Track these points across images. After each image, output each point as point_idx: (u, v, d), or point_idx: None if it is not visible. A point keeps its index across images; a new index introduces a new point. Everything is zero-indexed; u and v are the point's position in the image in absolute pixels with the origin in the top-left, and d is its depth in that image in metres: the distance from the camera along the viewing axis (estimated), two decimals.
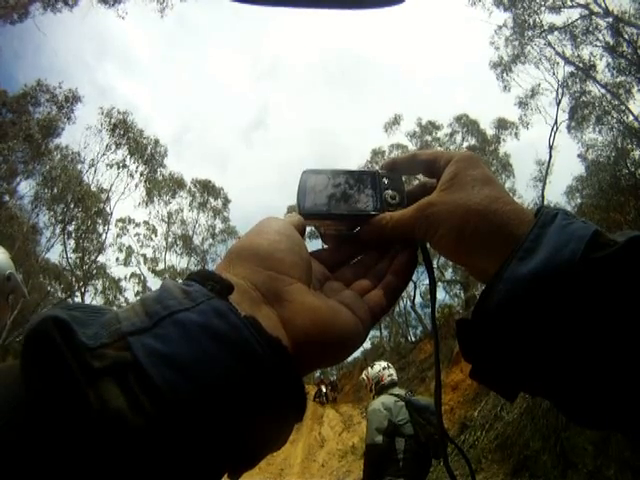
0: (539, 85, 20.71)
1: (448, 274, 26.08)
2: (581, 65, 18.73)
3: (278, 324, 0.44)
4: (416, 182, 0.67)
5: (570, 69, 19.45)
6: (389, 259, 0.60)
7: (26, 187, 22.82)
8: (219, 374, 0.36)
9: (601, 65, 18.28)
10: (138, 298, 0.41)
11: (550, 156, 20.37)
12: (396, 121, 27.68)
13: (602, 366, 0.43)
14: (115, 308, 0.40)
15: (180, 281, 0.43)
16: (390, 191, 0.63)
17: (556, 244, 0.47)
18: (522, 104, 21.76)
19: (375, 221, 0.60)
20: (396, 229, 0.59)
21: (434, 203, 0.56)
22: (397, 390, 4.90)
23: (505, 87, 21.49)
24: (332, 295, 0.53)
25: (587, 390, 0.45)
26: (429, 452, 4.55)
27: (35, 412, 0.31)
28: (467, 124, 26.53)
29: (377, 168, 0.65)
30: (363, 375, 5.15)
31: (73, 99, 21.72)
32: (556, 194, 28.71)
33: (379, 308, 0.55)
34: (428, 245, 0.60)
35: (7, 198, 21.95)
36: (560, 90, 19.84)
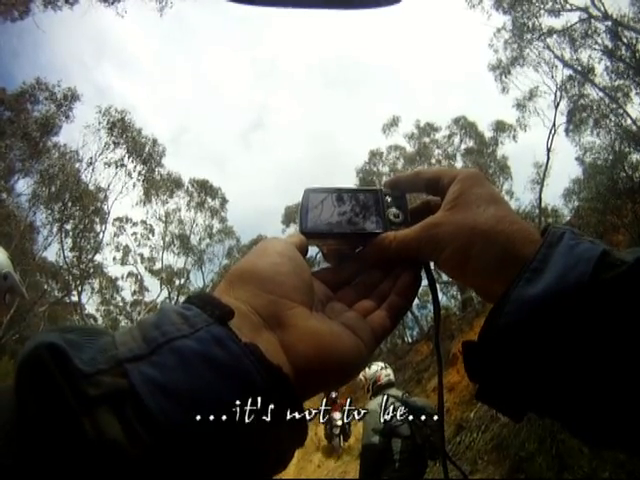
0: (537, 88, 20.75)
1: (445, 275, 26.06)
2: (580, 68, 18.77)
3: (279, 350, 0.44)
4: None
5: (569, 72, 19.51)
6: (392, 279, 0.59)
7: (24, 185, 22.86)
8: (217, 404, 0.35)
9: (599, 68, 18.37)
10: (136, 321, 0.41)
11: (548, 159, 20.35)
12: (394, 123, 27.65)
13: (611, 388, 0.43)
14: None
15: (181, 299, 0.42)
16: (393, 209, 0.62)
17: (564, 265, 0.47)
18: (520, 106, 21.75)
19: (378, 240, 0.59)
20: (400, 249, 0.58)
21: (439, 223, 0.56)
22: (394, 391, 4.91)
23: (504, 89, 21.52)
24: (334, 316, 0.52)
25: (595, 411, 0.45)
26: (425, 453, 4.56)
27: (30, 440, 0.31)
28: (465, 126, 26.49)
29: (380, 186, 0.65)
30: (360, 376, 5.09)
31: (72, 97, 21.68)
32: (554, 197, 28.86)
33: (382, 329, 0.54)
34: (432, 265, 0.60)
35: (4, 196, 21.91)
36: (558, 93, 19.87)
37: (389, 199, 0.63)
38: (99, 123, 22.83)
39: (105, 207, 24.33)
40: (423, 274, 0.62)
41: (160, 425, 0.32)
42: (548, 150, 20.17)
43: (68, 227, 22.75)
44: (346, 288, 0.59)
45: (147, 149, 24.20)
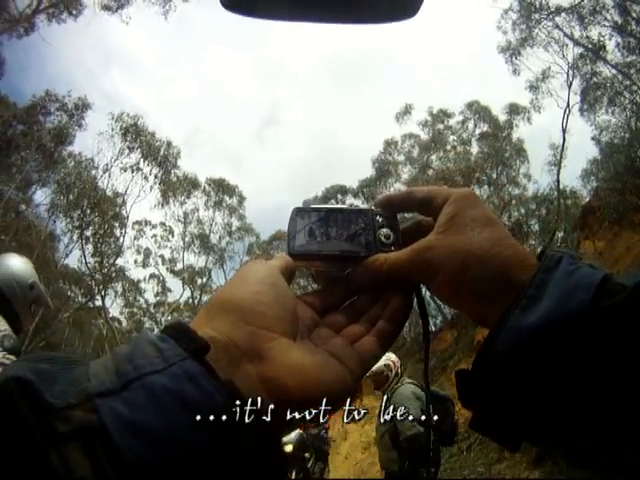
0: (549, 68, 20.51)
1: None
2: (590, 46, 18.51)
3: (257, 386, 0.42)
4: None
5: (579, 50, 19.27)
6: (382, 303, 0.57)
7: (42, 195, 23.16)
8: (188, 444, 0.34)
9: (611, 45, 18.14)
10: (111, 352, 0.40)
11: (564, 140, 20.07)
12: (407, 111, 27.46)
13: (610, 417, 0.43)
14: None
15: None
16: (384, 230, 0.60)
17: (562, 292, 0.45)
18: (533, 88, 21.56)
19: (369, 263, 0.57)
20: (391, 272, 0.56)
21: (432, 246, 0.54)
22: (408, 379, 4.93)
23: (515, 71, 21.35)
24: (321, 343, 0.51)
25: (594, 440, 0.44)
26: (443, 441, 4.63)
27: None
28: (478, 111, 26.18)
29: (370, 205, 0.63)
30: (387, 361, 5.05)
31: (83, 106, 22.13)
32: (571, 178, 28.38)
33: (370, 356, 0.53)
34: (423, 289, 0.59)
35: (23, 207, 22.26)
36: (571, 72, 19.60)
37: (380, 219, 0.61)
38: (112, 129, 23.18)
39: (124, 211, 24.67)
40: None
41: (129, 464, 0.32)
42: (563, 131, 19.92)
43: (88, 233, 23.04)
44: (334, 312, 0.57)
45: (162, 152, 24.40)
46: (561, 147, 20.37)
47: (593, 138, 18.84)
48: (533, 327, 0.45)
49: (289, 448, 7.48)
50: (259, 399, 0.40)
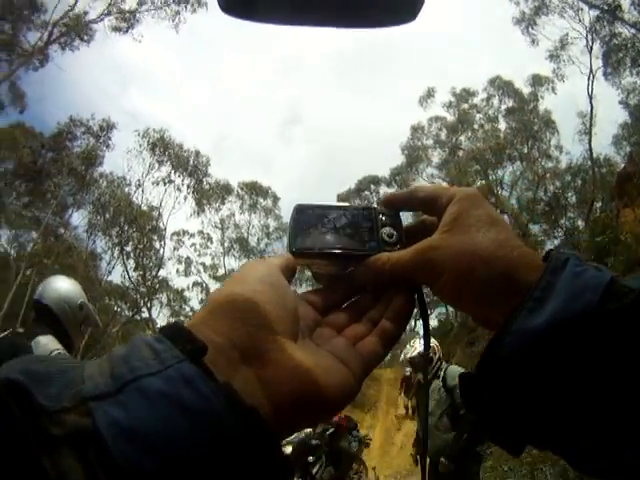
0: (567, 35, 20.04)
1: None
2: (606, 7, 17.93)
3: (256, 388, 0.41)
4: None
5: (595, 13, 18.69)
6: (385, 302, 0.55)
7: (78, 218, 23.76)
8: (184, 449, 0.34)
9: (626, 4, 17.50)
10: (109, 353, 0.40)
11: (591, 107, 19.63)
12: (430, 94, 27.23)
13: (613, 419, 0.43)
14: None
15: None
16: (387, 228, 0.59)
17: (569, 294, 0.45)
18: (553, 57, 21.09)
19: (371, 262, 0.56)
20: (394, 272, 0.54)
21: (436, 246, 0.53)
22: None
23: (533, 41, 20.96)
24: (322, 344, 0.50)
25: (594, 442, 0.44)
26: None
27: None
28: (502, 86, 25.72)
29: (374, 204, 0.63)
30: (432, 344, 4.86)
31: (108, 127, 22.67)
32: (603, 145, 27.62)
33: (373, 356, 0.51)
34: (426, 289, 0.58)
35: (62, 231, 22.86)
36: (589, 36, 19.10)
37: (383, 217, 0.60)
38: (140, 146, 23.63)
39: (161, 224, 25.14)
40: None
41: (123, 471, 0.31)
42: (590, 97, 19.43)
43: (128, 249, 23.61)
44: (336, 311, 0.56)
45: (191, 162, 24.75)
46: (589, 114, 19.91)
47: (621, 102, 18.42)
48: (539, 329, 0.44)
49: (288, 450, 6.75)
50: (259, 402, 0.40)
